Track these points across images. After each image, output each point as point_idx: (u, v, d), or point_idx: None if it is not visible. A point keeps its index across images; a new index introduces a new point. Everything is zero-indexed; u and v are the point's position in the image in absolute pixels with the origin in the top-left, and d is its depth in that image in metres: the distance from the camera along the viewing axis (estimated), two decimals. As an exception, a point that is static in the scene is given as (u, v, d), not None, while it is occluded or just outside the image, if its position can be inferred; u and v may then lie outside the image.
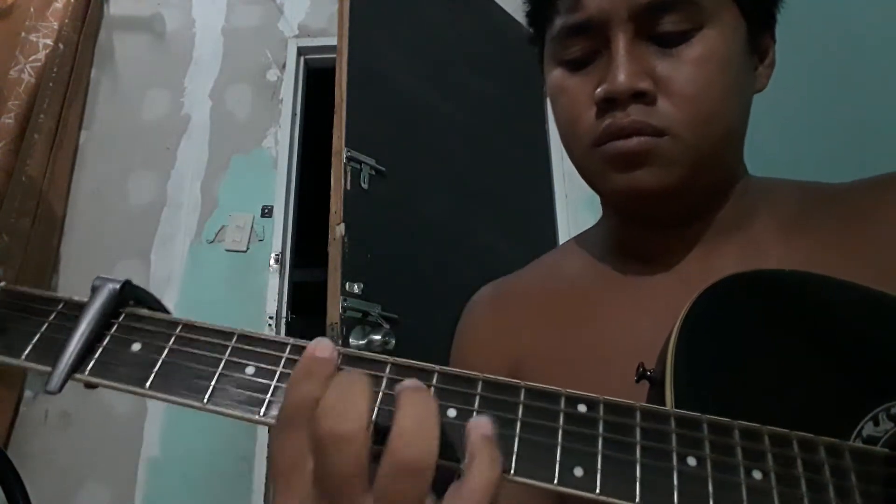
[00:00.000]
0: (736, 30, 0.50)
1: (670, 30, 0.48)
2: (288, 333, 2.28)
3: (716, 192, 0.53)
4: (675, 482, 0.31)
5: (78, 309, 0.38)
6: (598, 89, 0.49)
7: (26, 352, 0.38)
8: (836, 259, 0.48)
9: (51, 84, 2.49)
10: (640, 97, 0.48)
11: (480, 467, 0.30)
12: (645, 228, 0.55)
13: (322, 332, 1.42)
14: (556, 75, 0.54)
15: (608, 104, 0.49)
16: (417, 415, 0.30)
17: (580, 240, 0.65)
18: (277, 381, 0.36)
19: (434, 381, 0.35)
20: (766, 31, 0.54)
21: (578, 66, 0.52)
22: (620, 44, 0.48)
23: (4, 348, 0.38)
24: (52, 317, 0.39)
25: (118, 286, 0.38)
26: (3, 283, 0.41)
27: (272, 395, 0.35)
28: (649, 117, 0.48)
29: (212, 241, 2.42)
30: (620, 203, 0.56)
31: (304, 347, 0.35)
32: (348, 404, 0.30)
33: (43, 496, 2.04)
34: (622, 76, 0.47)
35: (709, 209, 0.54)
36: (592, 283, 0.59)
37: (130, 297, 0.40)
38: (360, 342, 1.45)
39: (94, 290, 0.38)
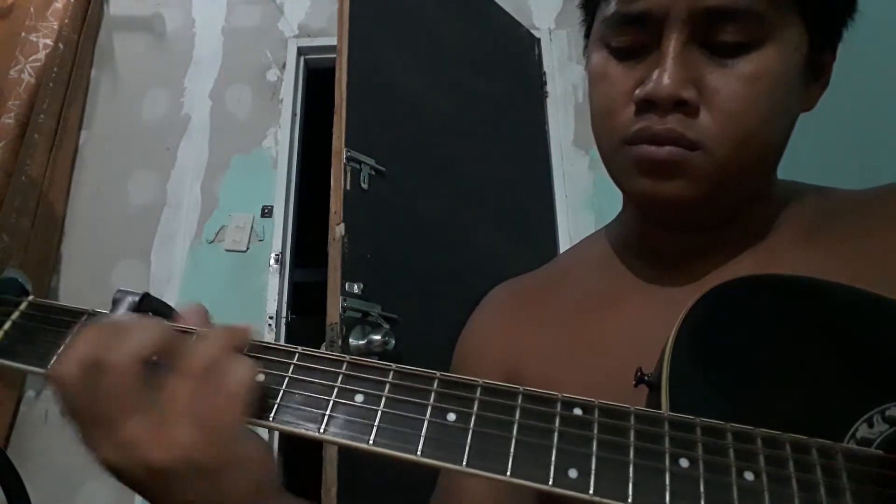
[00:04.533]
0: (797, 49, 0.47)
1: (727, 40, 0.45)
2: (288, 333, 2.29)
3: (741, 202, 0.52)
4: (668, 483, 0.32)
5: None
6: (639, 89, 0.47)
7: (52, 362, 0.39)
8: (847, 267, 0.47)
9: (51, 84, 2.49)
10: (682, 106, 0.46)
11: (231, 364, 0.37)
12: (664, 230, 0.55)
13: (322, 333, 1.42)
14: (600, 58, 0.51)
15: (647, 105, 0.47)
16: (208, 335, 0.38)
17: (608, 230, 0.64)
18: (287, 386, 0.37)
19: (435, 386, 0.36)
20: (828, 49, 0.50)
21: (625, 56, 0.49)
22: (672, 46, 0.46)
23: (33, 359, 0.40)
24: (75, 328, 0.41)
25: (137, 298, 0.41)
26: (31, 297, 0.43)
27: (281, 399, 0.37)
28: (686, 129, 0.46)
29: (212, 241, 2.42)
30: (641, 205, 0.55)
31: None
32: (123, 342, 0.36)
33: (43, 496, 2.04)
34: (667, 80, 0.45)
35: (731, 217, 0.53)
36: (606, 284, 0.58)
37: (148, 308, 0.42)
38: (360, 342, 1.45)
39: (115, 302, 0.41)
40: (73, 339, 0.38)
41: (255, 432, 0.37)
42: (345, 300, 1.44)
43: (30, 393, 2.25)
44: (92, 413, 0.36)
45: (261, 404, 0.37)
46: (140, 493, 0.37)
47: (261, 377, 0.37)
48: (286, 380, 0.38)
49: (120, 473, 0.37)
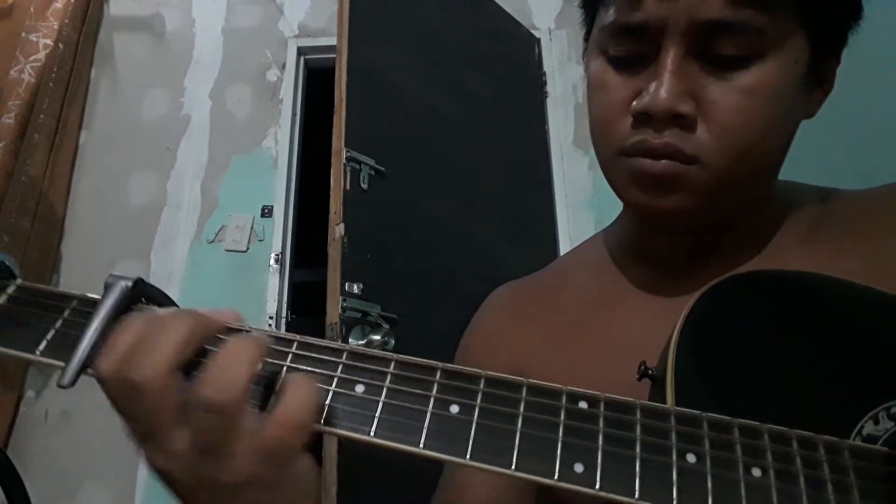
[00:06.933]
0: (797, 60, 0.45)
1: (727, 53, 0.44)
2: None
3: (741, 208, 0.52)
4: (675, 478, 0.31)
5: (91, 305, 0.39)
6: (637, 101, 0.46)
7: (41, 347, 0.38)
8: (852, 267, 0.46)
9: (51, 84, 2.48)
10: (679, 119, 0.45)
11: (294, 389, 0.34)
12: (663, 235, 0.54)
13: (322, 333, 1.42)
14: (598, 66, 0.51)
15: (644, 118, 0.46)
16: (227, 357, 0.34)
17: (607, 233, 0.64)
18: (284, 375, 0.37)
19: (438, 377, 0.35)
20: (831, 56, 0.49)
21: (623, 65, 0.48)
22: (670, 58, 0.45)
23: (21, 343, 0.38)
24: (66, 313, 0.40)
25: (130, 283, 0.39)
26: (19, 281, 0.42)
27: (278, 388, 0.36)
28: (683, 143, 0.45)
29: (212, 241, 2.42)
30: (638, 215, 0.55)
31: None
32: (149, 354, 0.34)
33: (43, 496, 2.04)
34: (664, 94, 0.44)
35: (731, 220, 0.52)
36: (607, 286, 0.58)
37: (142, 294, 0.40)
38: (360, 342, 1.45)
39: (107, 287, 0.39)
40: (107, 347, 0.36)
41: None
42: (344, 300, 1.44)
43: (30, 393, 2.25)
44: (136, 425, 0.35)
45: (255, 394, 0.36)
46: (186, 500, 0.36)
47: (258, 366, 0.36)
48: (283, 369, 0.36)
49: (169, 479, 0.35)
